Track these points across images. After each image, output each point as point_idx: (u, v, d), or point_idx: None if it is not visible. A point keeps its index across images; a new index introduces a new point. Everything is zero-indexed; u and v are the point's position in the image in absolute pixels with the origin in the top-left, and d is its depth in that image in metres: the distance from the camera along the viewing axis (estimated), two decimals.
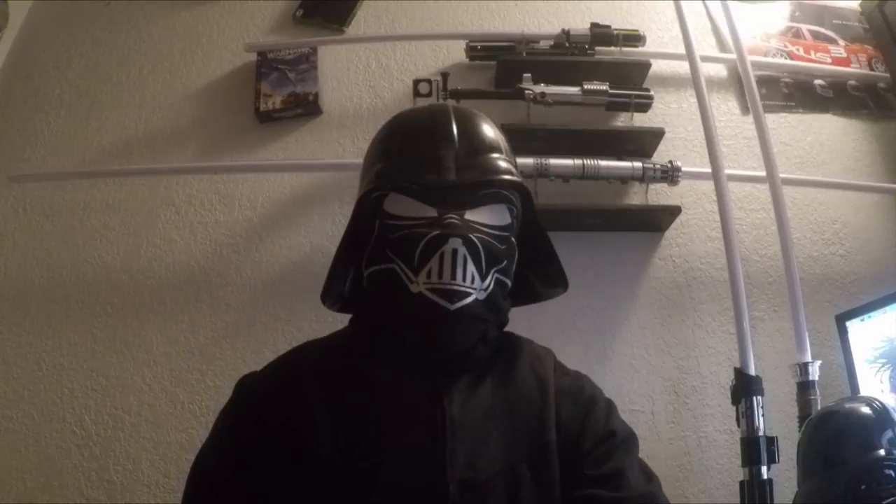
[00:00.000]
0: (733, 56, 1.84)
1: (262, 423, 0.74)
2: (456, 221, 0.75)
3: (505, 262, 0.79)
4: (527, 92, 1.68)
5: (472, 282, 0.74)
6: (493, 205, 0.78)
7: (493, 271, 0.77)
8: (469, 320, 0.76)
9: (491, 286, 0.77)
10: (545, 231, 0.86)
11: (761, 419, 1.34)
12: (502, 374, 0.81)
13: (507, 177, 0.78)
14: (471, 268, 0.74)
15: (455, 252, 0.73)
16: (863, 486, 0.95)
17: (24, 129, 1.85)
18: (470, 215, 0.76)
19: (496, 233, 0.77)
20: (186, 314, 1.64)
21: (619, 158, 1.67)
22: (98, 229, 1.73)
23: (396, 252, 0.76)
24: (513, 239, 0.81)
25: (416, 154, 0.78)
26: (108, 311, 1.65)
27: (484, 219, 0.77)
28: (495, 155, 0.80)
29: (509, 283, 0.81)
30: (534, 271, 0.88)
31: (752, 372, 1.40)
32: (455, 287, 0.73)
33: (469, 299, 0.74)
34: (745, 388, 1.37)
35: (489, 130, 0.82)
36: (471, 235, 0.74)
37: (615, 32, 1.85)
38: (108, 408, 1.55)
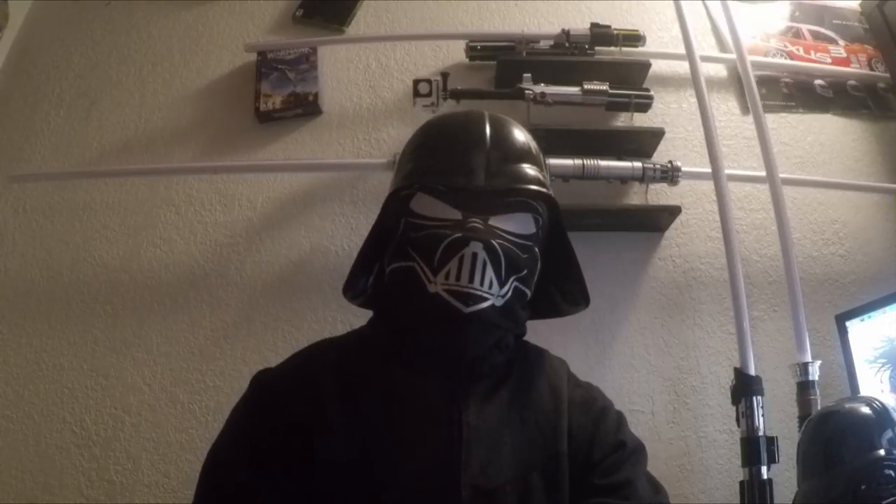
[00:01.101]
0: (733, 56, 1.84)
1: (277, 421, 0.74)
2: (479, 226, 0.75)
3: (525, 272, 0.78)
4: (527, 92, 1.68)
5: (490, 287, 0.74)
6: (518, 213, 0.78)
7: (512, 279, 0.77)
8: (483, 325, 0.76)
9: (509, 294, 0.77)
10: (570, 244, 0.86)
11: (761, 419, 1.34)
12: (519, 383, 0.81)
13: (534, 187, 0.78)
14: (490, 273, 0.74)
15: (475, 256, 0.73)
16: (863, 486, 0.95)
17: (24, 128, 1.85)
18: (494, 221, 0.76)
19: (519, 241, 0.77)
20: (186, 314, 1.64)
21: (619, 158, 1.67)
22: (98, 229, 1.73)
23: (418, 250, 0.76)
24: (536, 249, 0.80)
25: (447, 157, 0.79)
26: (108, 311, 1.65)
27: (508, 226, 0.77)
28: (526, 164, 0.80)
29: (529, 292, 0.81)
30: (557, 286, 0.88)
31: (752, 372, 1.40)
32: (472, 290, 0.73)
33: (485, 304, 0.74)
34: (745, 388, 1.37)
35: (522, 138, 0.83)
36: (492, 241, 0.74)
37: (615, 32, 1.85)
38: (108, 408, 1.55)
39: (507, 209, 0.77)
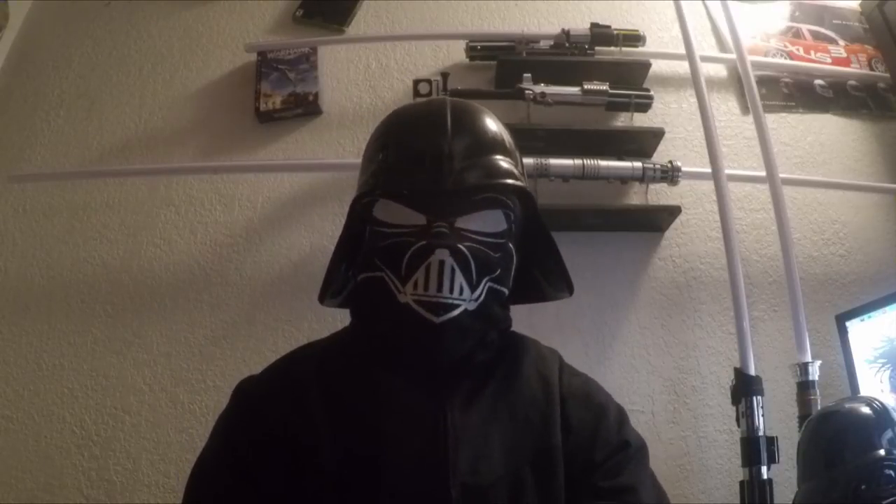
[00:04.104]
0: (733, 56, 1.84)
1: (262, 428, 0.73)
2: (444, 231, 0.72)
3: (499, 271, 0.76)
4: (527, 92, 1.68)
5: (461, 293, 0.72)
6: (487, 210, 0.75)
7: (484, 280, 0.74)
8: (457, 331, 0.73)
9: (482, 296, 0.74)
10: (550, 233, 0.83)
11: (761, 419, 1.34)
12: (505, 376, 0.79)
13: (503, 180, 0.74)
14: (459, 279, 0.71)
15: (442, 263, 0.71)
16: (863, 486, 0.95)
17: (24, 129, 1.85)
18: (461, 222, 0.73)
19: (489, 240, 0.74)
20: (186, 314, 1.64)
21: (619, 158, 1.67)
22: (98, 229, 1.73)
23: (384, 261, 0.74)
24: (510, 245, 0.77)
25: (409, 155, 0.75)
26: (108, 311, 1.65)
27: (476, 226, 0.74)
28: (495, 155, 0.75)
29: (506, 290, 0.78)
30: (541, 271, 0.85)
31: (752, 372, 1.40)
32: (440, 300, 0.71)
33: (456, 311, 0.72)
34: (745, 388, 1.38)
35: (489, 126, 0.77)
36: (459, 245, 0.72)
37: (615, 32, 1.85)
38: (108, 408, 1.55)
39: (475, 208, 0.73)
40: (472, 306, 0.73)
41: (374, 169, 0.77)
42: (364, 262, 0.77)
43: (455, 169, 0.72)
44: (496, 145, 0.77)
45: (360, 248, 0.78)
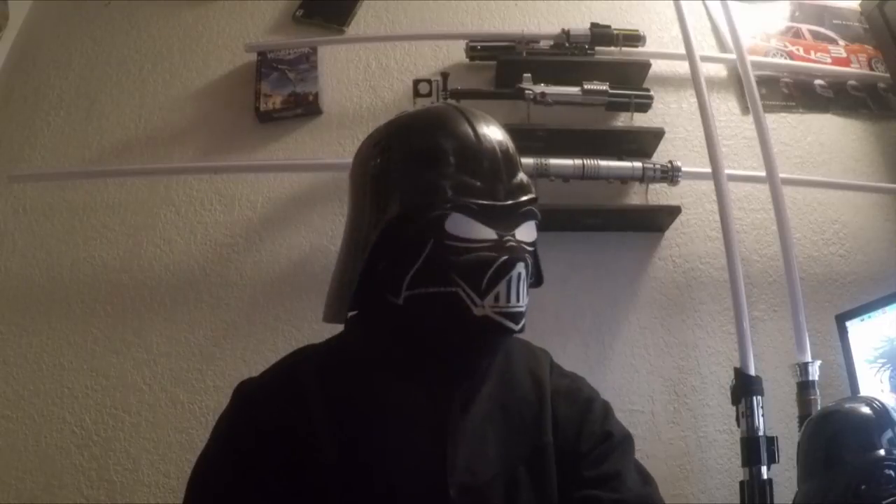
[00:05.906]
0: (733, 56, 1.84)
1: (262, 429, 0.74)
2: (515, 245, 0.74)
3: (533, 277, 0.80)
4: (527, 92, 1.68)
5: (524, 301, 0.75)
6: (531, 222, 0.78)
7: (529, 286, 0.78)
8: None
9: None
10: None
11: (761, 419, 1.35)
12: (499, 376, 0.81)
13: (534, 193, 0.78)
14: (524, 288, 0.75)
15: (520, 276, 0.73)
16: (863, 486, 0.95)
17: (24, 129, 1.85)
18: (518, 235, 0.76)
19: (532, 249, 0.78)
20: (186, 314, 1.64)
21: (619, 158, 1.67)
22: (98, 229, 1.73)
23: (462, 275, 0.73)
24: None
25: (473, 171, 0.75)
26: (108, 311, 1.65)
27: (526, 237, 0.77)
28: (522, 170, 0.79)
29: None
30: None
31: (752, 372, 1.40)
32: (518, 309, 0.74)
33: (525, 318, 0.75)
34: (745, 388, 1.38)
35: (511, 143, 0.80)
36: (526, 257, 0.75)
37: (615, 32, 1.85)
38: (108, 408, 1.55)
39: (523, 220, 0.77)
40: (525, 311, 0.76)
41: (435, 180, 0.75)
42: (429, 277, 0.74)
43: (512, 184, 0.76)
44: (519, 159, 0.80)
45: (412, 262, 0.75)
